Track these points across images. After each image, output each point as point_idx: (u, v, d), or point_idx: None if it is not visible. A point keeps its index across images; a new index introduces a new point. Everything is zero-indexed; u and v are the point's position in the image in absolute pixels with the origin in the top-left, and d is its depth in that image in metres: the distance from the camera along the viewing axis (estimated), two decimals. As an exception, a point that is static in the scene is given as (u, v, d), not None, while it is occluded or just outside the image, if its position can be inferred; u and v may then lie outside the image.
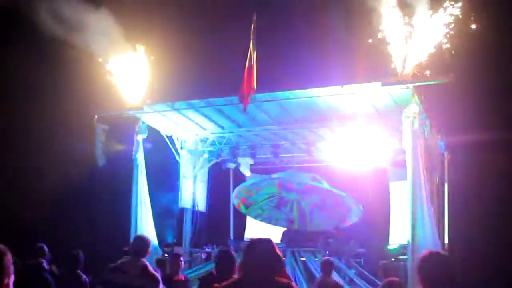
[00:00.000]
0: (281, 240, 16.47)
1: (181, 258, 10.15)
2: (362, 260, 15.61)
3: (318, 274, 13.22)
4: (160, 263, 11.44)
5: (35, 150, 17.01)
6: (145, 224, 15.30)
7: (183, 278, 9.87)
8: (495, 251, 15.72)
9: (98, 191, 16.62)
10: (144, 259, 6.83)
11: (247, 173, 18.50)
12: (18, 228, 14.88)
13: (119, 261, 6.85)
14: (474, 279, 12.43)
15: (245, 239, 18.89)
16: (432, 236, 12.53)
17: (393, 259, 14.42)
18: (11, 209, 16.24)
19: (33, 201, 16.56)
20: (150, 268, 6.80)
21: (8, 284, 3.91)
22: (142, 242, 7.00)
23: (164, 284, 7.19)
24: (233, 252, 7.08)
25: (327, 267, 10.53)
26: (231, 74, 16.03)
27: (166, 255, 15.01)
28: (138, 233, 14.60)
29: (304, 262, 14.83)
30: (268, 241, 4.72)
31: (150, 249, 7.16)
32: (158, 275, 6.89)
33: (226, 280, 5.26)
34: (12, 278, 4.11)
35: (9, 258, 4.13)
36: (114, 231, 15.70)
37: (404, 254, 14.00)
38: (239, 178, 19.60)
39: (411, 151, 12.84)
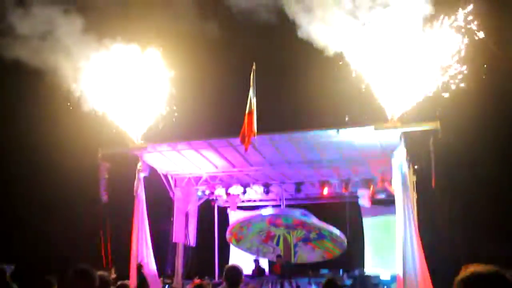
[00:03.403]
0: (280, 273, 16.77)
1: None
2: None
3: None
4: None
5: (40, 184, 16.96)
6: (146, 256, 15.21)
7: None
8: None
9: (101, 224, 16.52)
10: None
11: (233, 208, 18.88)
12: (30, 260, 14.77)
13: None
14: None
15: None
16: (420, 267, 12.80)
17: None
18: (18, 241, 16.23)
19: (39, 232, 16.63)
20: None
21: None
22: (236, 271, 6.59)
23: None
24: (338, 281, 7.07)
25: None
26: (230, 117, 16.47)
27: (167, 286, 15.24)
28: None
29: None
30: None
31: (243, 278, 6.81)
32: None
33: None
34: None
35: None
36: (117, 262, 15.70)
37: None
38: (224, 214, 20.27)
39: (401, 189, 13.34)
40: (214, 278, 18.39)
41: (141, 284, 8.37)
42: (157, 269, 15.67)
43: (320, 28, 14.05)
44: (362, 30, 13.72)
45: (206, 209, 19.73)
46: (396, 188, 13.73)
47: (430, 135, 13.67)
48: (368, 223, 19.45)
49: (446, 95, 13.76)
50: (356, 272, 16.48)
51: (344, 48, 13.85)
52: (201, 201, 19.12)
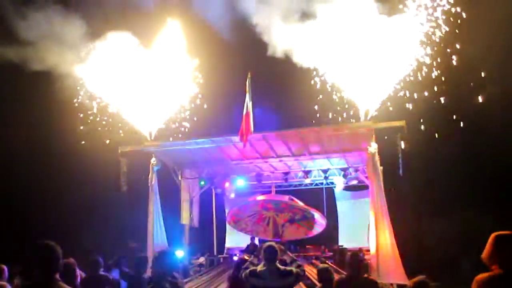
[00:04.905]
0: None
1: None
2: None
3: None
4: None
5: (71, 178, 18.95)
6: (160, 235, 17.39)
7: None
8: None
9: (122, 210, 18.37)
10: (276, 263, 7.09)
11: (230, 195, 21.23)
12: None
13: (256, 267, 7.13)
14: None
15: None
16: (390, 241, 14.64)
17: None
18: (50, 222, 18.34)
19: (70, 216, 18.76)
20: (282, 267, 7.10)
21: None
22: (274, 249, 7.10)
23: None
24: (362, 255, 8.37)
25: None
26: (229, 118, 18.56)
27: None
28: (155, 242, 16.73)
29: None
30: None
31: (278, 255, 7.28)
32: (290, 269, 7.15)
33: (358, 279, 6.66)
34: None
35: None
36: (135, 240, 17.00)
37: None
38: (221, 201, 22.91)
39: (374, 177, 15.41)
40: (214, 253, 20.74)
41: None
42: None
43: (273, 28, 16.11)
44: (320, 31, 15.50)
45: (206, 196, 22.04)
46: (370, 176, 15.76)
47: (397, 131, 15.30)
48: (342, 205, 22.11)
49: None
50: (335, 246, 18.83)
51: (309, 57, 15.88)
52: (203, 189, 21.22)
